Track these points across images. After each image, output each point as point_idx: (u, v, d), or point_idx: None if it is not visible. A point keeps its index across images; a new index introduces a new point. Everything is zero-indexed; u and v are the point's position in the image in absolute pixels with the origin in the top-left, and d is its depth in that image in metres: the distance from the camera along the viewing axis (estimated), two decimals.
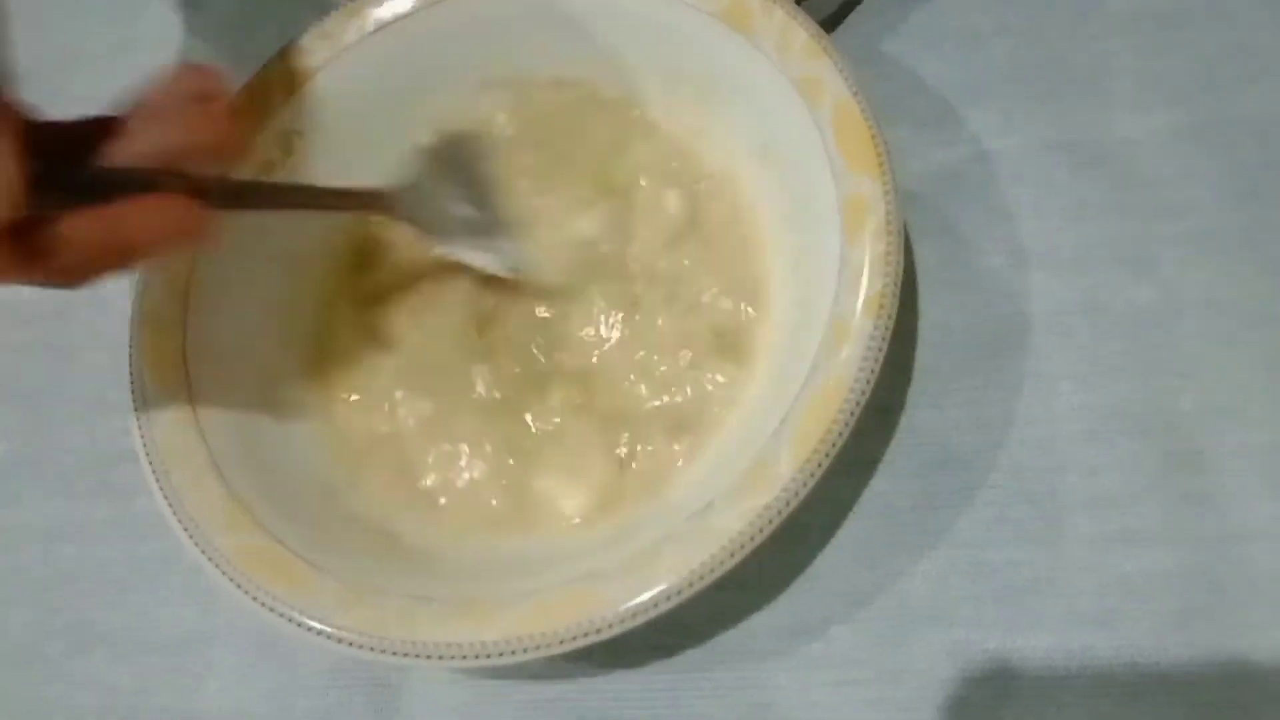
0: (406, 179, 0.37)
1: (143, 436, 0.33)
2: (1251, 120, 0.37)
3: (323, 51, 0.37)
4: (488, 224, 0.38)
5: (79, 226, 0.28)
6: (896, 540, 0.34)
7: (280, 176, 0.37)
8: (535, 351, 0.37)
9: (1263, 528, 0.32)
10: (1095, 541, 0.33)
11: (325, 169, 0.38)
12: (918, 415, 0.36)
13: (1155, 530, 0.33)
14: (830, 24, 0.42)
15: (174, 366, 0.34)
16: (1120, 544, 0.33)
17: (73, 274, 0.28)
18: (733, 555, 0.28)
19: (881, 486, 0.35)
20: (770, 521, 0.29)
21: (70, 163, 0.28)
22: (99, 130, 0.29)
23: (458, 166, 0.38)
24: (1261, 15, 0.38)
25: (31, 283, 0.28)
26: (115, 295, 0.34)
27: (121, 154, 0.29)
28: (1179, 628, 0.32)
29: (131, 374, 0.34)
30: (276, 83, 0.37)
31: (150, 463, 0.33)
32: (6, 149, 0.25)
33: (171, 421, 0.33)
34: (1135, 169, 0.37)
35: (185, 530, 0.32)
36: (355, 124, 0.38)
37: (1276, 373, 0.34)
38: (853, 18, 0.42)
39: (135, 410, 0.33)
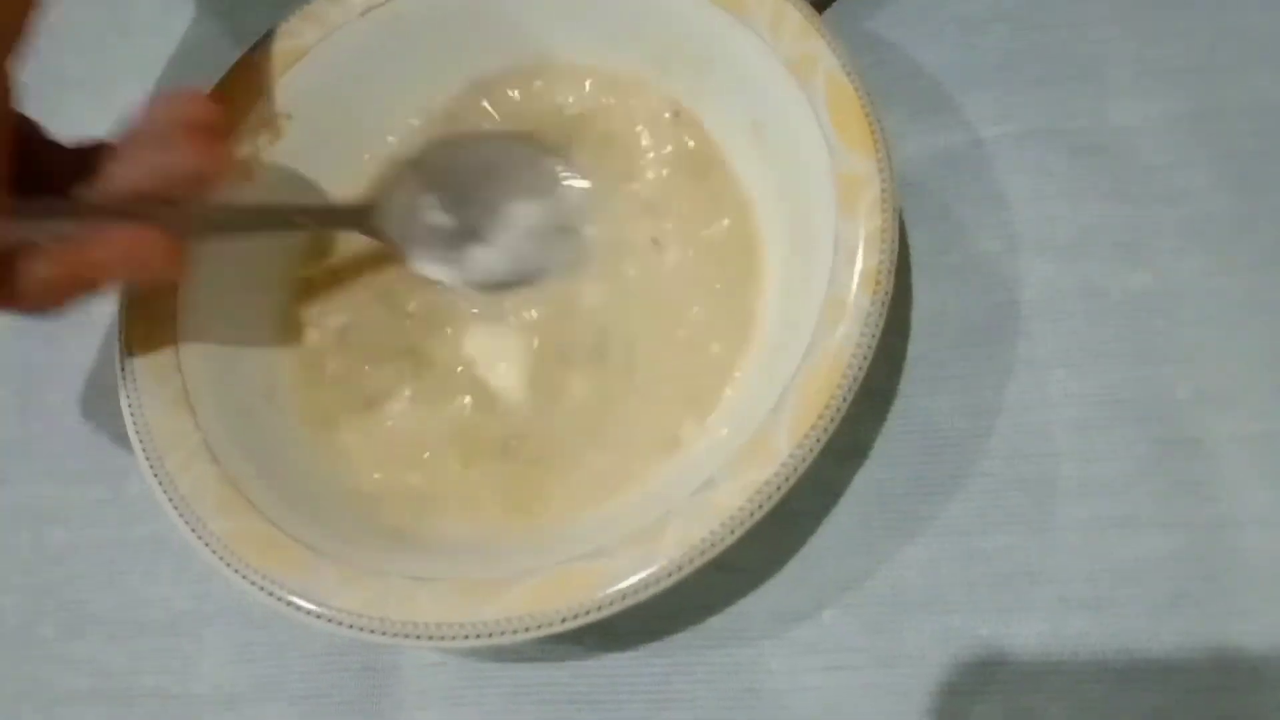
0: (383, 191, 0.37)
1: (134, 421, 0.33)
2: (1249, 107, 0.37)
3: (311, 34, 0.37)
4: (464, 233, 0.38)
5: (48, 261, 0.28)
6: (889, 526, 0.34)
7: (269, 159, 0.37)
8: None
9: (1255, 514, 0.32)
10: (1088, 527, 0.33)
11: (314, 152, 0.38)
12: (911, 401, 0.36)
13: (1148, 516, 0.33)
14: (824, 8, 0.41)
15: (165, 350, 0.34)
16: (1113, 530, 0.33)
17: (41, 305, 0.29)
18: (733, 531, 0.28)
19: (874, 472, 0.35)
20: (770, 497, 0.29)
21: (48, 191, 0.29)
22: (80, 159, 0.30)
23: (435, 173, 0.38)
24: (1259, 1, 0.38)
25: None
26: None
27: (103, 184, 0.29)
28: (1171, 613, 0.32)
29: (121, 358, 0.34)
30: (264, 65, 0.37)
31: (143, 447, 0.33)
32: None
33: (163, 405, 0.33)
34: (1132, 155, 0.37)
35: (179, 514, 0.32)
36: (345, 107, 0.38)
37: (1271, 360, 0.34)
38: (847, 3, 0.42)
39: (126, 395, 0.33)
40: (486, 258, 0.38)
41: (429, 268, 0.37)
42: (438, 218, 0.38)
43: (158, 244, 0.30)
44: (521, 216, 0.38)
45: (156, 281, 0.32)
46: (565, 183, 0.39)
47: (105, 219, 0.29)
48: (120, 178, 0.30)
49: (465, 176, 0.38)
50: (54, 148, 0.30)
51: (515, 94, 0.40)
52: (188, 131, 0.30)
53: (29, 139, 0.30)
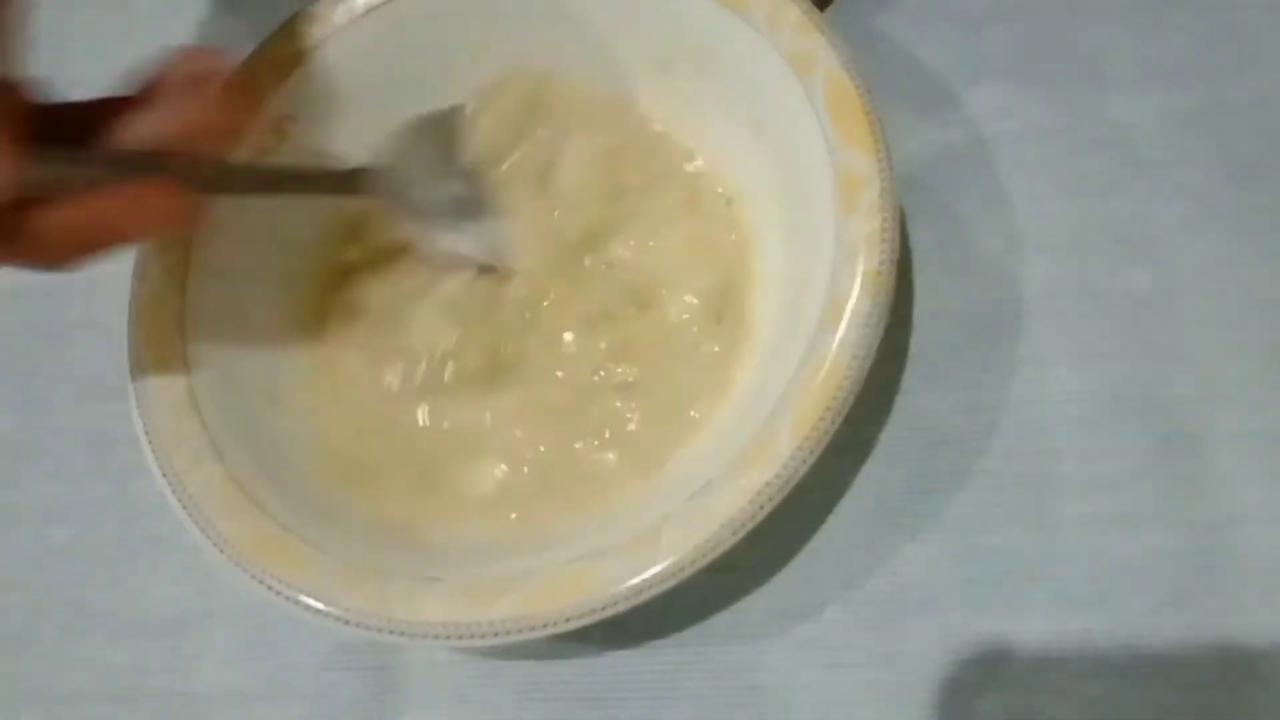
0: (390, 157, 0.37)
1: (143, 420, 0.33)
2: (1250, 103, 0.37)
3: (313, 35, 0.37)
4: (473, 202, 0.38)
5: (66, 212, 0.28)
6: (890, 523, 0.34)
7: (274, 162, 0.37)
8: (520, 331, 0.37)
9: (1256, 511, 0.32)
10: (1088, 525, 0.33)
11: (319, 154, 0.38)
12: (912, 399, 0.36)
13: (1148, 514, 0.33)
14: (825, 6, 0.41)
15: (173, 350, 0.34)
16: (1113, 527, 0.33)
17: (57, 257, 0.28)
18: (734, 533, 0.28)
19: (875, 470, 0.35)
20: (770, 499, 0.28)
21: (66, 143, 0.28)
22: (99, 111, 0.29)
23: (442, 143, 0.38)
24: None
25: (14, 265, 0.28)
26: (113, 277, 0.34)
27: (121, 136, 0.29)
28: (1172, 611, 0.32)
29: (131, 358, 0.34)
30: (267, 67, 0.37)
31: (151, 446, 0.33)
32: (4, 135, 0.25)
33: (171, 405, 0.33)
34: (1132, 152, 0.37)
35: (188, 514, 0.32)
36: (349, 108, 0.38)
37: (1272, 357, 0.34)
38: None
39: (135, 395, 0.33)
40: (489, 226, 0.38)
41: (438, 240, 0.37)
42: (447, 185, 0.38)
43: (176, 197, 0.29)
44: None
45: (174, 234, 0.31)
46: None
47: (124, 170, 0.29)
48: (139, 130, 0.29)
49: (468, 149, 0.38)
50: (64, 105, 0.30)
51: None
52: (199, 87, 0.30)
53: (37, 111, 0.30)
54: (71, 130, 0.29)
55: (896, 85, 0.39)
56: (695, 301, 0.36)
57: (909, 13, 0.41)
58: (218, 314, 0.35)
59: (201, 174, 0.31)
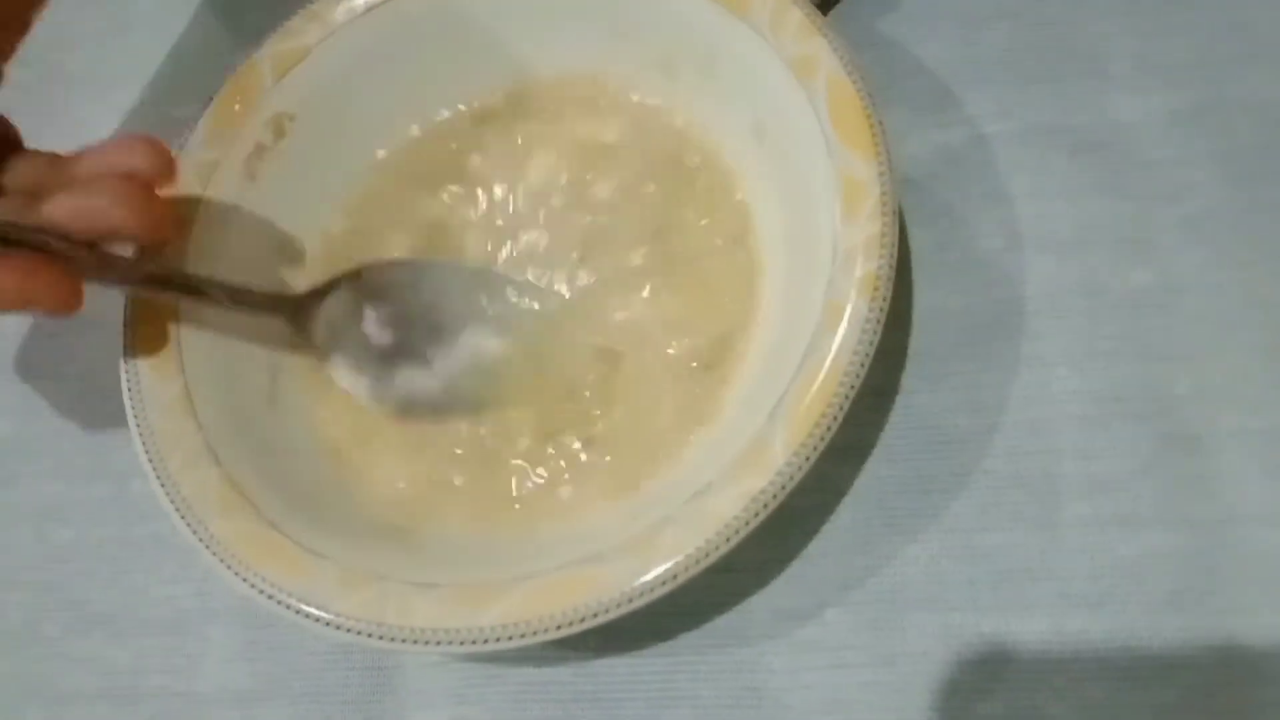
0: (321, 292, 0.37)
1: (138, 422, 0.33)
2: (1250, 103, 0.37)
3: (314, 33, 0.37)
4: (399, 350, 0.37)
5: None
6: (890, 524, 0.34)
7: (271, 159, 0.37)
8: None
9: (1257, 511, 0.32)
10: (1089, 524, 0.33)
11: (318, 151, 0.38)
12: (913, 399, 0.36)
13: (1150, 513, 0.33)
14: (826, 5, 0.41)
15: (168, 351, 0.34)
16: (1114, 527, 0.33)
17: None
18: (730, 539, 0.28)
19: (876, 470, 0.35)
20: (766, 505, 0.28)
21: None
22: (20, 168, 0.30)
23: (380, 288, 0.37)
24: None
25: None
26: None
27: (38, 208, 0.30)
28: (1173, 610, 0.32)
29: (125, 360, 0.34)
30: (267, 64, 0.37)
31: (146, 449, 0.33)
32: None
33: (166, 407, 0.33)
34: (1133, 152, 0.37)
35: (182, 516, 0.32)
36: (348, 106, 0.38)
37: (1273, 357, 0.34)
38: (848, 0, 0.41)
39: (130, 397, 0.33)
40: (417, 379, 0.37)
41: (347, 378, 0.37)
42: (374, 332, 0.37)
43: (50, 278, 0.30)
44: (469, 342, 0.37)
45: (48, 313, 0.31)
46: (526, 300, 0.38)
47: (10, 245, 0.29)
48: (52, 207, 0.30)
49: (411, 295, 0.37)
50: (25, 157, 0.30)
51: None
52: (124, 182, 0.31)
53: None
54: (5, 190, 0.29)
55: (897, 85, 0.39)
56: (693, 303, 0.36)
57: (911, 13, 0.41)
58: (214, 314, 0.35)
59: (101, 264, 0.31)
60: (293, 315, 0.36)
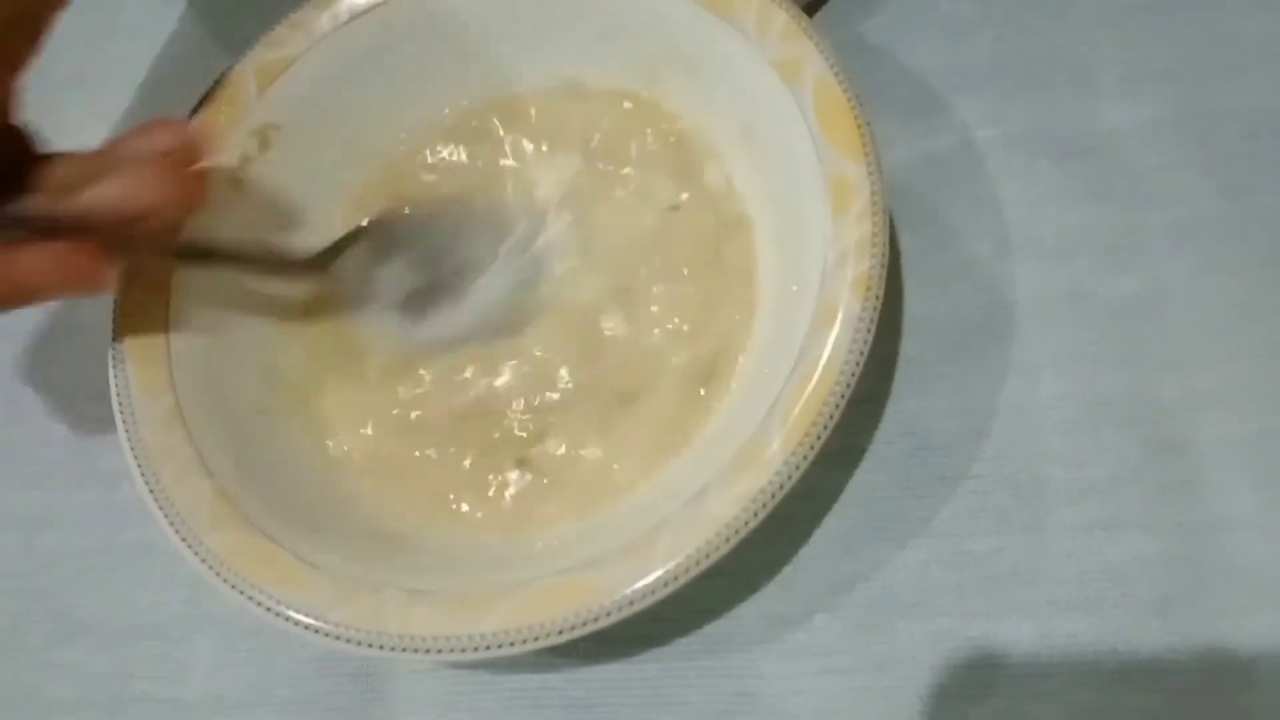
0: (343, 243, 0.37)
1: (129, 435, 0.33)
2: (1239, 110, 0.37)
3: (298, 42, 0.37)
4: (427, 290, 0.38)
5: None
6: (880, 529, 0.34)
7: (257, 170, 0.37)
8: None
9: (1244, 516, 0.33)
10: (1077, 530, 0.33)
11: (303, 162, 0.38)
12: (901, 405, 0.36)
13: (1137, 518, 0.33)
14: (812, 11, 0.41)
15: (158, 362, 0.34)
16: (1102, 532, 0.33)
17: None
18: (728, 540, 0.28)
19: (865, 476, 0.35)
20: (764, 506, 0.28)
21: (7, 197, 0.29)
22: (60, 170, 0.30)
23: (399, 231, 0.38)
24: (1249, 4, 0.38)
25: None
26: None
27: (70, 197, 0.30)
28: (1160, 615, 0.32)
29: (113, 370, 0.34)
30: (252, 75, 0.37)
31: (137, 461, 0.32)
32: None
33: (157, 419, 0.33)
34: (1121, 159, 0.37)
35: (174, 529, 0.31)
36: (333, 116, 0.38)
37: (1260, 363, 0.34)
38: (836, 4, 0.42)
39: (120, 408, 0.33)
40: (449, 314, 0.38)
41: (383, 324, 0.37)
42: (400, 274, 0.38)
43: (88, 261, 0.31)
44: (492, 275, 0.38)
45: (86, 295, 0.32)
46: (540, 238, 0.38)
47: (47, 232, 0.30)
48: (84, 196, 0.30)
49: (431, 236, 0.38)
50: (42, 159, 0.31)
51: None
52: (159, 162, 0.31)
53: (21, 149, 0.31)
54: (31, 188, 0.30)
55: (885, 91, 0.39)
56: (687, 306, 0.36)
57: (897, 18, 0.41)
58: (204, 325, 0.35)
59: (133, 243, 0.32)
60: (324, 271, 0.37)
